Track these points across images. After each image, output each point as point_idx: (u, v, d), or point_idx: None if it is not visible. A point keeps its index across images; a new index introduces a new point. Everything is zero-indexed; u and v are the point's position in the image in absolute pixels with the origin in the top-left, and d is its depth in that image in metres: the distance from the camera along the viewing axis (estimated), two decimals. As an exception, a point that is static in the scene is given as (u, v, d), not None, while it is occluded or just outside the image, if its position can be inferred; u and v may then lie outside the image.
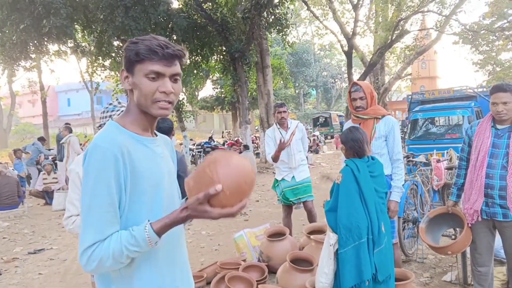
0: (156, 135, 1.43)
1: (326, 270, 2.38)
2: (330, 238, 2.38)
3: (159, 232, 1.20)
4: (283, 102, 5.18)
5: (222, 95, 26.07)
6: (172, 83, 1.30)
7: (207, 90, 55.83)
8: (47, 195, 9.71)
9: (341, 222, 2.34)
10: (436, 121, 10.02)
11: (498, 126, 2.92)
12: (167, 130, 5.11)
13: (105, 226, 1.18)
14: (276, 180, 4.86)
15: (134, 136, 1.31)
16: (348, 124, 3.63)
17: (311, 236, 4.06)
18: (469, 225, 3.04)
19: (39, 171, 10.65)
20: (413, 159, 5.68)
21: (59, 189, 9.50)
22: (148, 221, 1.22)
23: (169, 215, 1.22)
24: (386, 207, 2.57)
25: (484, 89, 10.39)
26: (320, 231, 4.28)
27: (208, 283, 3.79)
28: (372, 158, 2.62)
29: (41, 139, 12.47)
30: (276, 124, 4.80)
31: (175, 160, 1.51)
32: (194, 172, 1.24)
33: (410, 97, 11.20)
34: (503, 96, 2.82)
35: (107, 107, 2.29)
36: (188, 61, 16.02)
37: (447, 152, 5.84)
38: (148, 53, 1.25)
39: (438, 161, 5.21)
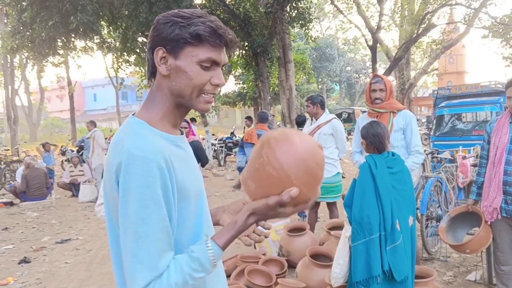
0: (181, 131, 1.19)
1: (341, 261, 2.39)
2: (347, 230, 2.39)
3: (225, 248, 1.00)
4: (315, 95, 5.03)
5: (244, 91, 26.11)
6: None
7: (229, 85, 56.04)
8: (73, 187, 10.01)
9: (353, 217, 2.35)
10: (463, 117, 9.75)
11: (517, 122, 2.83)
12: (302, 122, 5.34)
13: (160, 259, 0.93)
14: None
15: (167, 137, 1.06)
16: (362, 118, 3.62)
17: (332, 232, 4.04)
18: (488, 223, 2.97)
19: None
20: (438, 155, 5.56)
21: (85, 181, 9.77)
22: (207, 236, 1.01)
23: (231, 225, 1.01)
24: (407, 205, 2.52)
25: (514, 84, 10.02)
26: (341, 227, 4.24)
27: (228, 275, 3.83)
28: (393, 154, 2.59)
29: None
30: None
31: None
32: (250, 167, 1.01)
33: (436, 92, 10.95)
34: None
35: None
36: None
37: (473, 149, 5.68)
38: (211, 36, 0.99)
39: (464, 157, 5.06)
